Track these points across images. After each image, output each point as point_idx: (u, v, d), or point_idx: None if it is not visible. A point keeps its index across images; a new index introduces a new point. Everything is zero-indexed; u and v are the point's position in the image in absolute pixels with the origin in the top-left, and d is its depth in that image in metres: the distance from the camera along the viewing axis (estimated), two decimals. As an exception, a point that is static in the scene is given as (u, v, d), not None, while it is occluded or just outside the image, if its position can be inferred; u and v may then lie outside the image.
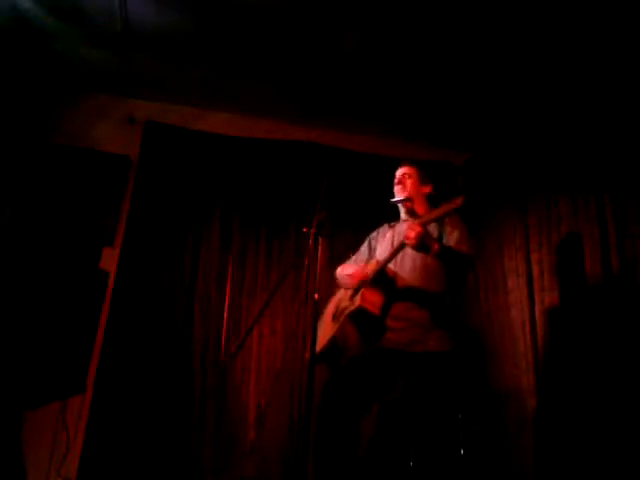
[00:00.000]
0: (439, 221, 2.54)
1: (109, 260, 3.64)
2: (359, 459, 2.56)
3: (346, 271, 2.86)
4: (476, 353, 3.76)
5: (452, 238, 2.62)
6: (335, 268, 3.91)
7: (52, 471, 3.32)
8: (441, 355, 2.55)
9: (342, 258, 3.86)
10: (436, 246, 2.45)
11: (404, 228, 2.57)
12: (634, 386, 2.68)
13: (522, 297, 3.51)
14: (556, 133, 3.51)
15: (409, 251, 2.60)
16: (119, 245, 3.80)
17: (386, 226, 3.00)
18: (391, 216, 3.04)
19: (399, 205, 2.89)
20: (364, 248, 3.03)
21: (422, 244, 2.42)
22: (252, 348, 3.79)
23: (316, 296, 2.51)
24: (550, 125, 3.58)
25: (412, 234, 2.40)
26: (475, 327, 3.90)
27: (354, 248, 3.24)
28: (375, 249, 2.96)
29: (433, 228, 2.62)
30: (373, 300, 2.58)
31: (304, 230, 2.65)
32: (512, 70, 3.52)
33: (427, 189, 2.86)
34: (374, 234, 3.04)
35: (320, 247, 2.54)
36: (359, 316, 2.59)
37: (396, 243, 2.64)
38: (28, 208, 3.55)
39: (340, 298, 2.84)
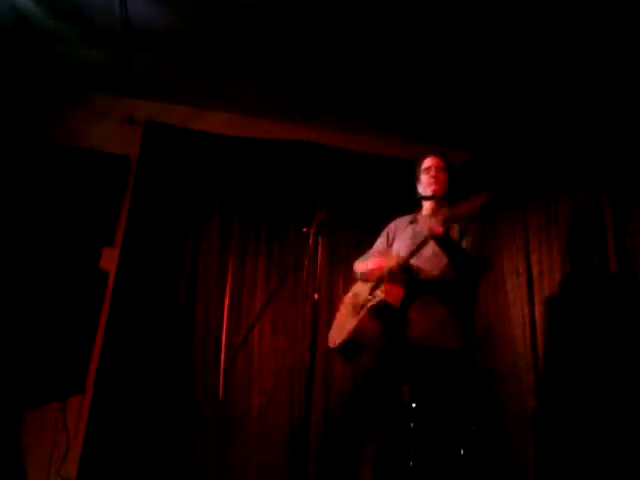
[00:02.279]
0: (463, 218, 2.53)
1: (109, 260, 3.63)
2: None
3: (370, 265, 2.85)
4: (476, 353, 3.76)
5: (471, 240, 2.65)
6: (335, 268, 3.95)
7: (52, 471, 3.33)
8: (451, 353, 2.57)
9: (342, 258, 3.89)
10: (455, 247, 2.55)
11: (428, 224, 2.63)
12: (634, 385, 2.68)
13: (522, 297, 3.50)
14: (555, 132, 3.51)
15: (431, 246, 2.63)
16: (119, 245, 3.81)
17: (404, 220, 2.98)
18: (393, 214, 3.04)
19: (422, 200, 2.89)
20: (382, 240, 3.00)
21: (446, 241, 2.50)
22: (253, 348, 3.79)
23: (316, 296, 2.51)
24: (549, 124, 3.58)
25: (440, 230, 2.45)
26: (475, 327, 3.89)
27: (355, 248, 3.24)
28: (392, 242, 2.94)
29: (455, 227, 2.65)
30: (395, 294, 2.59)
31: (304, 230, 2.65)
32: (511, 70, 3.52)
33: (448, 186, 2.87)
34: (392, 227, 3.01)
35: (320, 247, 2.54)
36: (381, 309, 2.61)
37: (420, 238, 2.63)
38: (28, 208, 3.55)
39: (356, 292, 2.84)
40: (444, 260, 2.62)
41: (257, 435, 3.61)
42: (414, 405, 2.58)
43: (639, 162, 2.88)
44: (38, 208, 3.55)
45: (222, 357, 3.72)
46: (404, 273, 2.62)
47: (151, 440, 3.45)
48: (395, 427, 2.59)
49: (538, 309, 3.36)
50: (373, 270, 2.77)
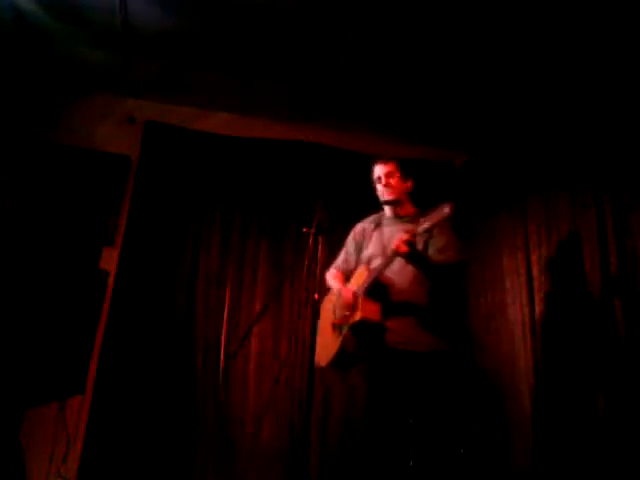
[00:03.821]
0: (429, 231, 2.51)
1: (109, 260, 3.64)
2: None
3: (334, 286, 2.84)
4: (475, 353, 3.76)
5: (438, 247, 2.62)
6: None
7: (52, 471, 3.33)
8: (429, 355, 2.55)
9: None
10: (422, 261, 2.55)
11: (394, 232, 2.63)
12: (634, 385, 2.68)
13: (522, 297, 3.51)
14: (555, 132, 3.51)
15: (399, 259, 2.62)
16: (119, 245, 3.81)
17: (370, 222, 2.95)
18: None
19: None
20: (352, 250, 2.97)
21: (413, 256, 2.49)
22: (252, 349, 3.79)
23: (316, 296, 2.52)
24: (549, 124, 3.58)
25: (404, 248, 2.45)
26: (474, 327, 3.90)
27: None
28: (362, 249, 2.91)
29: (420, 236, 2.59)
30: (373, 309, 2.57)
31: (304, 230, 2.65)
32: (510, 71, 3.52)
33: (409, 184, 2.85)
34: (358, 232, 2.98)
35: (320, 247, 2.54)
36: (362, 326, 2.59)
37: (388, 251, 2.60)
38: (28, 208, 3.55)
39: (335, 304, 2.79)
40: (413, 271, 2.60)
41: (257, 436, 3.61)
42: (413, 405, 2.58)
43: (638, 162, 2.88)
44: (38, 208, 3.56)
45: (222, 357, 3.72)
46: (377, 287, 2.61)
47: (151, 440, 3.45)
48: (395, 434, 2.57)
49: (538, 309, 3.36)
50: (343, 296, 2.71)
